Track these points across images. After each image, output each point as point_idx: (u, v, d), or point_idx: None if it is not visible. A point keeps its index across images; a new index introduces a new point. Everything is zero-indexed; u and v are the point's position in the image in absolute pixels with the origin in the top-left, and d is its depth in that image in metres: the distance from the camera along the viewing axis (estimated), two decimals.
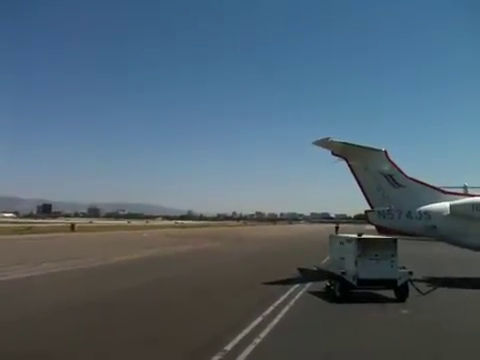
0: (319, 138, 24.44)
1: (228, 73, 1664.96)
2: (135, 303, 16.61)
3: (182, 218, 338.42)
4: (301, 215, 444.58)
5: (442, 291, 19.98)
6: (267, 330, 12.47)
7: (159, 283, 21.99)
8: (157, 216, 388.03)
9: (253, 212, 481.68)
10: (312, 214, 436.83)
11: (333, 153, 26.17)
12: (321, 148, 25.73)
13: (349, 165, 26.52)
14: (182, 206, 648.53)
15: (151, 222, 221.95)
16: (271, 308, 15.66)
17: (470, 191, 25.92)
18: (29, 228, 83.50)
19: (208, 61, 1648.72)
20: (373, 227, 28.56)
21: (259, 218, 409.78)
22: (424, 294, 18.60)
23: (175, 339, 11.67)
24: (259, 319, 13.81)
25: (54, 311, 14.98)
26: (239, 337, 11.59)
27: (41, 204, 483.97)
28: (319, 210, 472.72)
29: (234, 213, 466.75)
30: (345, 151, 25.89)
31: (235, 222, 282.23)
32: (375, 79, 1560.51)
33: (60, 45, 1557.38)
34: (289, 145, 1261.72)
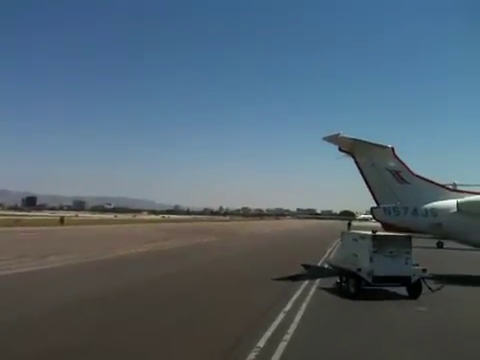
0: (329, 134, 24.46)
1: (219, 66, 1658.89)
2: (145, 296, 16.50)
3: (169, 212, 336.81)
4: (287, 210, 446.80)
5: (450, 288, 20.18)
6: (293, 326, 12.48)
7: (171, 277, 21.90)
8: (143, 210, 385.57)
9: (239, 207, 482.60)
10: (298, 210, 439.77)
11: (340, 149, 26.23)
12: (329, 143, 25.71)
13: (356, 162, 26.59)
14: (168, 200, 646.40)
15: (137, 216, 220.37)
16: (290, 304, 15.69)
17: (459, 188, 26.38)
18: (18, 220, 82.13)
19: (193, 50, 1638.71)
20: (370, 224, 28.85)
21: (245, 213, 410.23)
22: (434, 291, 18.79)
23: (202, 338, 11.49)
24: (281, 315, 13.83)
25: (81, 301, 15.15)
26: (268, 333, 11.61)
27: (25, 197, 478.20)
28: (305, 206, 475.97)
29: (220, 208, 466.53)
30: (353, 147, 25.95)
31: (222, 217, 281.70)
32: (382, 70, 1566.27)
33: (59, 33, 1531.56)
34: (276, 140, 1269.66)
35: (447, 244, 44.49)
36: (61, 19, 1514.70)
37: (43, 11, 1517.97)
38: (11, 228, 62.51)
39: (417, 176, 25.74)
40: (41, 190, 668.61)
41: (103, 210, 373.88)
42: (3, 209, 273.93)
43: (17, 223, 75.45)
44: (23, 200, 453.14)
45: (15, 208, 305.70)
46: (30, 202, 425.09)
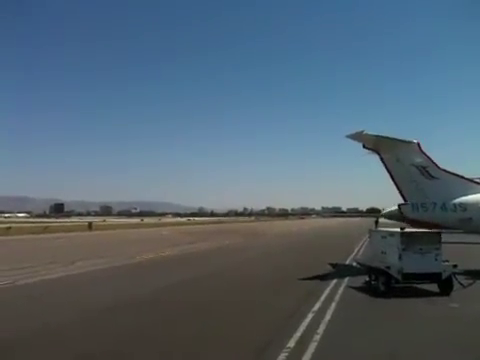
0: (353, 131, 24.28)
1: (228, 66, 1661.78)
2: (171, 302, 16.58)
3: (193, 215, 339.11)
4: (312, 209, 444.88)
5: None
6: (323, 327, 12.34)
7: (199, 280, 21.87)
8: (168, 213, 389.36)
9: (264, 207, 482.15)
10: (323, 208, 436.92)
11: (364, 146, 25.92)
12: (354, 141, 25.54)
13: (381, 158, 26.26)
14: (192, 203, 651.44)
15: (163, 219, 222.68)
16: (318, 304, 15.53)
17: None
18: (46, 228, 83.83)
19: (205, 54, 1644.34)
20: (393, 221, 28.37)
21: (270, 213, 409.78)
22: (465, 287, 18.44)
23: (231, 338, 11.54)
24: (310, 315, 13.71)
25: (106, 309, 15.05)
26: (298, 334, 11.51)
27: (52, 203, 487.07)
28: (330, 204, 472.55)
29: (245, 209, 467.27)
30: (377, 144, 25.63)
31: (247, 218, 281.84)
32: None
33: (60, 42, 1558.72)
34: (298, 139, 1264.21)
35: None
36: (62, 25, 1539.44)
37: (45, 21, 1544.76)
38: (40, 235, 63.76)
39: (444, 170, 25.22)
40: (65, 197, 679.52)
41: (130, 214, 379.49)
42: (32, 216, 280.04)
43: (46, 230, 77.11)
44: (51, 207, 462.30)
45: (44, 215, 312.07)
46: (58, 209, 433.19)
